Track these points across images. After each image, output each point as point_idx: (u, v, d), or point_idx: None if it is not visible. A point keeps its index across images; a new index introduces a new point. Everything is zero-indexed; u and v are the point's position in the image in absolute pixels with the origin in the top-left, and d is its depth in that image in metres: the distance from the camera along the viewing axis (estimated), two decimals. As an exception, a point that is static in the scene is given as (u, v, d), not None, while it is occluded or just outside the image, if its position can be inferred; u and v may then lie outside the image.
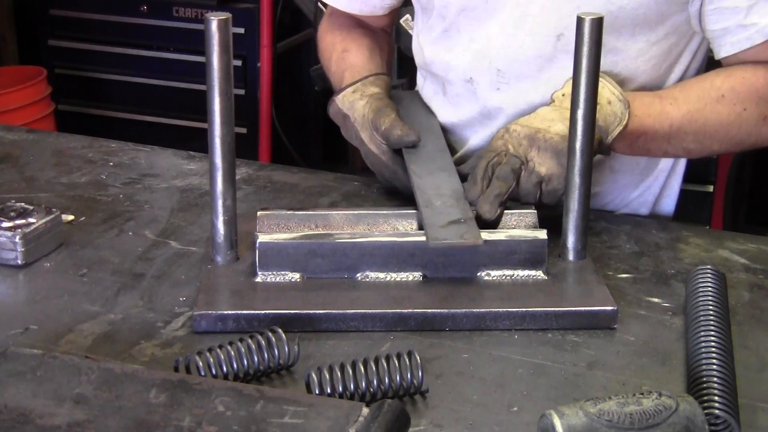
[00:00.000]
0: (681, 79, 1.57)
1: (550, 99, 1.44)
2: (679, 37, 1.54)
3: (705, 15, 1.48)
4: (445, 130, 1.64)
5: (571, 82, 1.34)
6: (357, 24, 1.78)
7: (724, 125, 1.48)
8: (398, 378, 1.05)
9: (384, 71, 1.67)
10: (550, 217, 1.41)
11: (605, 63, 1.44)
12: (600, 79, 1.34)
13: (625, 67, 1.51)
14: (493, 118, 1.59)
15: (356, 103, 1.55)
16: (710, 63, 1.61)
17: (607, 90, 1.40)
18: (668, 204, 1.69)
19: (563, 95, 1.42)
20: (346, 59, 1.70)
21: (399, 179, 1.51)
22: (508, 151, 1.38)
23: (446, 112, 1.66)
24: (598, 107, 1.34)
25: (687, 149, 1.50)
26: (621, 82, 1.50)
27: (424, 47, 1.67)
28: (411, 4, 1.73)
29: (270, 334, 1.10)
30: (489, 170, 1.36)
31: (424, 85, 1.73)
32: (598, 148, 1.39)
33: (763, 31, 1.46)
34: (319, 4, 3.14)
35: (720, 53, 1.52)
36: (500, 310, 1.21)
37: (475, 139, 1.63)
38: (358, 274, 1.27)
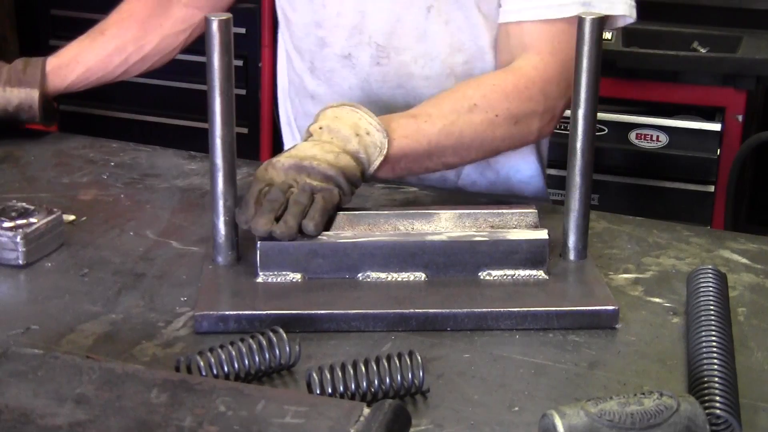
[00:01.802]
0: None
1: (306, 133, 1.40)
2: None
3: None
4: (320, 104, 1.64)
5: (324, 113, 1.38)
6: (156, 5, 1.84)
7: (479, 134, 1.48)
8: (399, 378, 1.05)
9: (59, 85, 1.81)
10: (551, 217, 1.41)
11: (472, 33, 1.58)
12: (356, 110, 1.38)
13: (489, 38, 1.59)
14: (373, 93, 1.63)
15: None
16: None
17: (364, 121, 1.38)
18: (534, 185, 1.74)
19: (320, 128, 1.38)
20: (88, 41, 1.84)
21: None
22: (273, 180, 1.32)
23: (319, 89, 1.69)
24: (358, 138, 1.35)
25: (447, 163, 1.51)
26: (458, 48, 1.59)
27: (290, 19, 1.70)
28: None
29: (271, 334, 1.10)
30: (261, 195, 1.29)
31: (290, 60, 1.76)
32: (361, 179, 1.37)
33: (551, 10, 1.49)
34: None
35: (503, 17, 1.56)
36: (501, 310, 1.21)
37: None
38: (359, 274, 1.27)
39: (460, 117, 1.47)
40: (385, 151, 1.38)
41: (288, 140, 1.89)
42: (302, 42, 1.69)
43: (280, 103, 1.89)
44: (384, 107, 1.66)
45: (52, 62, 1.79)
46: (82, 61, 1.80)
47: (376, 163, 1.38)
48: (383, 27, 1.60)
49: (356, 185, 1.35)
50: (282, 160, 1.33)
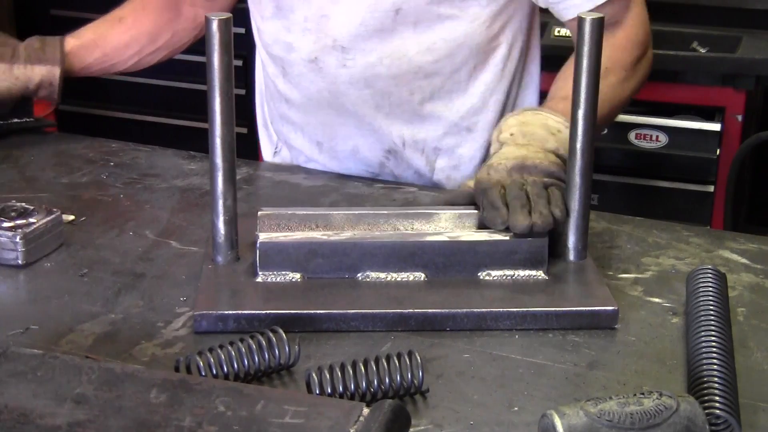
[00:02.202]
0: (517, 32, 1.67)
1: (497, 143, 1.43)
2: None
3: None
4: (293, 107, 1.72)
5: (506, 123, 1.43)
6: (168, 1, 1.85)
7: (618, 93, 1.60)
8: (399, 378, 1.05)
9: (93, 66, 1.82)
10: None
11: (444, 30, 1.59)
12: (538, 111, 1.43)
13: (463, 31, 1.61)
14: (341, 95, 1.65)
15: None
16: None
17: (552, 120, 1.43)
18: None
19: (511, 135, 1.41)
20: (105, 26, 1.84)
21: None
22: (502, 182, 1.34)
23: (291, 93, 1.72)
24: (554, 137, 1.40)
25: (602, 127, 1.61)
26: (461, 45, 1.62)
27: (260, 28, 1.74)
28: None
29: (270, 334, 1.10)
30: (502, 198, 1.30)
31: (264, 66, 1.79)
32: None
33: None
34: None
35: (565, 16, 1.61)
36: (501, 310, 1.21)
37: (326, 116, 1.69)
38: (359, 274, 1.27)
39: (602, 83, 1.46)
40: None
41: (264, 143, 1.89)
42: (272, 48, 1.71)
43: (257, 106, 1.91)
44: (353, 108, 1.66)
45: (71, 42, 1.80)
46: (100, 45, 1.81)
47: None
48: (348, 30, 1.61)
49: (564, 181, 1.36)
50: (503, 162, 1.37)
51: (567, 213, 1.31)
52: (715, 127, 2.83)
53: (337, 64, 1.63)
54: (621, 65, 1.59)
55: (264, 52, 1.76)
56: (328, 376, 1.04)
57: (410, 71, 1.63)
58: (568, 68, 1.58)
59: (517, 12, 1.66)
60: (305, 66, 1.66)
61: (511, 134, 1.42)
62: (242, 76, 3.63)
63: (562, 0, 1.59)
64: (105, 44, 1.82)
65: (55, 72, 1.74)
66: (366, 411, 0.94)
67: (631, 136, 2.87)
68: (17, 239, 1.32)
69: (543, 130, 1.41)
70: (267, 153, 1.89)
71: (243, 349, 1.09)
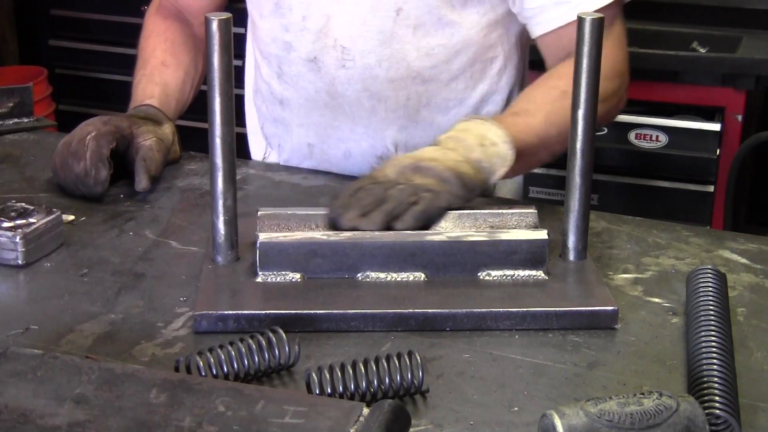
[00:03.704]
0: (513, 47, 1.68)
1: (435, 141, 1.43)
2: (507, 8, 1.63)
3: None
4: (288, 108, 1.71)
5: (454, 126, 1.43)
6: (183, 29, 1.81)
7: (563, 120, 1.52)
8: (399, 378, 1.05)
9: (172, 115, 1.73)
10: (551, 217, 1.41)
11: (443, 35, 1.60)
12: (484, 122, 1.42)
13: (461, 37, 1.62)
14: (339, 96, 1.66)
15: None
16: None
17: (492, 132, 1.41)
18: None
19: (448, 137, 1.41)
20: (159, 75, 1.75)
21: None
22: (386, 176, 1.35)
23: (287, 93, 1.71)
24: (482, 149, 1.39)
25: (553, 152, 1.55)
26: (458, 51, 1.63)
27: (258, 26, 1.72)
28: None
29: (270, 334, 1.10)
30: (360, 190, 1.31)
31: (258, 67, 1.77)
32: (481, 190, 1.39)
33: (577, 9, 1.52)
34: None
35: (536, 32, 1.61)
36: (501, 310, 1.21)
37: (321, 117, 1.69)
38: (359, 274, 1.27)
39: (555, 105, 1.50)
40: (509, 162, 1.41)
41: (255, 148, 1.87)
42: (269, 47, 1.70)
43: (246, 111, 1.88)
44: (349, 110, 1.66)
45: (156, 102, 1.71)
46: (170, 93, 1.76)
47: (500, 173, 1.40)
48: (348, 30, 1.61)
49: (473, 191, 1.36)
50: (402, 158, 1.37)
51: (427, 226, 1.30)
52: (715, 127, 2.83)
53: (336, 64, 1.64)
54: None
55: (259, 52, 1.76)
56: (328, 376, 1.04)
57: (408, 76, 1.64)
58: (532, 86, 1.59)
59: (512, 25, 1.66)
60: (304, 65, 1.66)
61: (448, 137, 1.42)
62: (242, 76, 3.64)
63: (534, 15, 1.59)
64: (172, 91, 1.76)
65: (173, 128, 1.70)
66: (366, 411, 0.94)
67: (631, 136, 2.87)
68: (17, 239, 1.33)
69: (476, 139, 1.40)
70: (257, 157, 1.87)
71: (243, 349, 1.09)
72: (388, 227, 1.28)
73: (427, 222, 1.31)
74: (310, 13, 1.63)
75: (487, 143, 1.40)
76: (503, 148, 1.40)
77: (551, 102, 1.51)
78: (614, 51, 1.58)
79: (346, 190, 1.33)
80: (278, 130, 1.78)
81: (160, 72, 1.76)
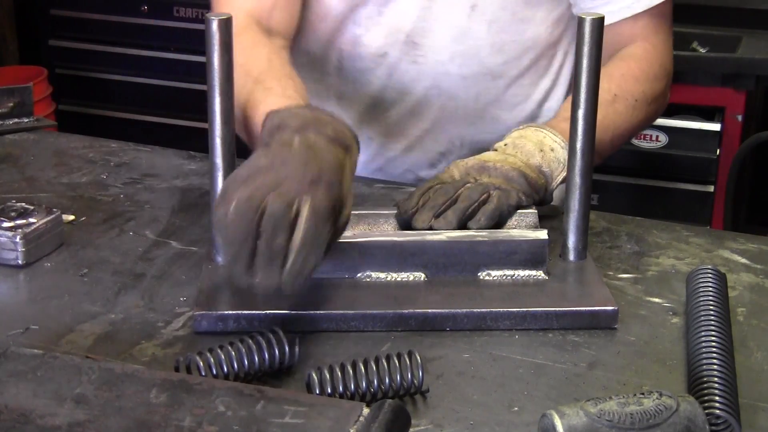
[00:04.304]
0: (569, 45, 1.69)
1: (492, 149, 1.43)
2: (569, 3, 1.64)
3: None
4: (345, 104, 1.67)
5: (508, 134, 1.43)
6: (269, 43, 1.66)
7: (625, 121, 1.55)
8: (399, 378, 1.05)
9: None
10: (551, 217, 1.41)
11: (516, 31, 1.60)
12: (540, 129, 1.43)
13: (531, 34, 1.63)
14: (407, 93, 1.64)
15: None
16: None
17: (549, 139, 1.42)
18: None
19: (505, 145, 1.42)
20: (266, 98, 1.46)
21: None
22: (453, 176, 1.36)
23: (346, 87, 1.68)
24: (542, 154, 1.39)
25: (604, 156, 1.55)
26: (528, 48, 1.64)
27: (311, 25, 1.66)
28: None
29: (270, 334, 1.10)
30: (430, 191, 1.32)
31: (299, 68, 1.59)
32: (543, 195, 1.39)
33: (632, 8, 1.55)
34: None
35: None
36: (501, 310, 1.21)
37: (384, 113, 1.67)
38: (359, 274, 1.27)
39: (608, 110, 1.50)
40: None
41: None
42: (333, 42, 1.67)
43: None
44: (416, 106, 1.66)
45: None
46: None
47: (559, 179, 1.40)
48: (421, 25, 1.60)
49: (538, 193, 1.37)
50: (466, 160, 1.37)
51: (500, 224, 1.30)
52: (715, 127, 2.84)
53: (407, 60, 1.63)
54: (632, 94, 1.56)
55: (307, 52, 1.69)
56: (328, 376, 1.04)
57: (480, 72, 1.64)
58: None
59: (572, 21, 1.66)
60: (372, 61, 1.64)
61: (505, 144, 1.42)
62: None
63: (602, 5, 1.58)
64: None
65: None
66: (366, 411, 0.94)
67: (631, 136, 2.87)
68: (17, 239, 1.32)
69: (535, 145, 1.40)
70: None
71: (243, 349, 1.09)
72: (461, 227, 1.29)
73: (499, 220, 1.31)
74: (385, 8, 1.61)
75: (546, 149, 1.41)
76: (561, 153, 1.40)
77: (603, 106, 1.47)
78: (666, 49, 1.62)
79: (416, 190, 1.33)
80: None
81: (266, 90, 1.46)
